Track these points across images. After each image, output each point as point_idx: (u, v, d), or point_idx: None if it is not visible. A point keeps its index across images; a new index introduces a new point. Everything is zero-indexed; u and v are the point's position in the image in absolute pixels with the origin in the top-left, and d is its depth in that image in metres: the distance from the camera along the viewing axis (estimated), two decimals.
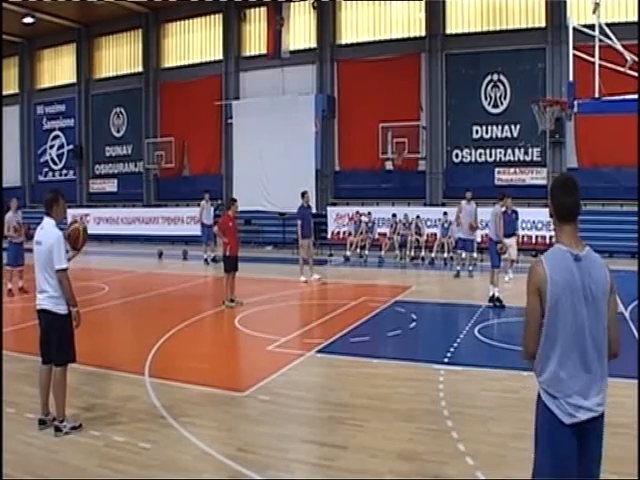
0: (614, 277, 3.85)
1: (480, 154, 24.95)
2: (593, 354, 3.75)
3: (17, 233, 15.64)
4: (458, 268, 18.42)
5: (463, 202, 18.26)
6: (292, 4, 27.44)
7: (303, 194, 18.10)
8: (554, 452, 3.73)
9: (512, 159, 24.25)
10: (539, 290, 3.72)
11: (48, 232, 6.68)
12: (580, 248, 3.80)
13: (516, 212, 17.07)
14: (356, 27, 27.47)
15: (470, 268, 18.32)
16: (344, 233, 25.52)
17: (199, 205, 23.77)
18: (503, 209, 14.62)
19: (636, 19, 19.93)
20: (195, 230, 26.81)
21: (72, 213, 33.21)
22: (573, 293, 3.68)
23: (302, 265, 17.87)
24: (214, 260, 22.51)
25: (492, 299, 13.51)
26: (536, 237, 22.53)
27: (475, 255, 19.21)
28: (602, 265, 3.81)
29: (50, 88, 35.61)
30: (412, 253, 22.51)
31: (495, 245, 13.98)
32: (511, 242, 16.10)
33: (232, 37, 29.58)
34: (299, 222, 17.82)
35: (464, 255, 18.55)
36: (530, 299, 3.76)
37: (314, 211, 26.48)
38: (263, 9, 28.12)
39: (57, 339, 6.64)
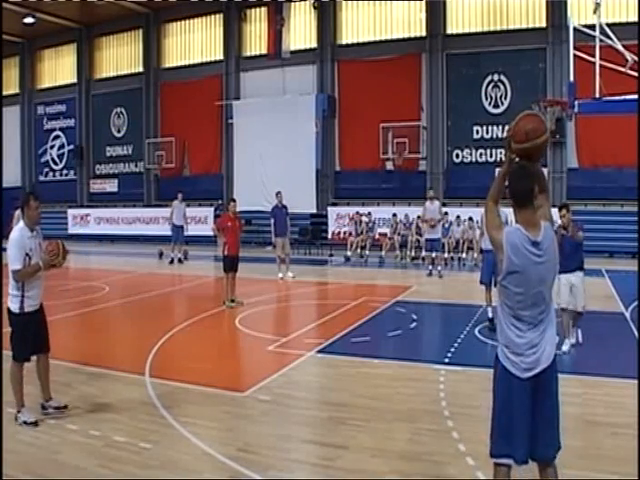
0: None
1: (481, 154, 24.95)
2: (543, 317, 4.24)
3: None
4: (430, 267, 18.61)
5: (427, 202, 18.68)
6: (292, 4, 27.45)
7: (277, 194, 18.51)
8: (510, 407, 4.20)
9: None
10: (502, 241, 4.20)
11: (12, 233, 6.88)
12: (537, 232, 4.21)
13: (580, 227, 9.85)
14: (356, 27, 27.48)
15: (439, 268, 18.52)
16: (345, 233, 25.52)
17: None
18: (558, 224, 9.23)
19: (636, 19, 19.93)
20: (195, 230, 26.82)
21: (72, 213, 33.40)
22: (527, 272, 4.15)
23: (279, 263, 18.27)
24: (180, 261, 22.54)
25: (491, 320, 11.00)
26: None
27: (446, 255, 20.25)
28: (554, 240, 4.31)
29: (51, 88, 35.64)
30: (413, 253, 22.48)
31: (488, 256, 10.87)
32: (573, 281, 9.63)
33: (232, 37, 29.60)
34: (272, 221, 18.28)
35: (434, 255, 18.70)
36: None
37: (314, 211, 26.70)
38: (263, 9, 28.15)
39: (12, 335, 6.94)
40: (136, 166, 32.58)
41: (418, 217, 22.83)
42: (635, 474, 5.05)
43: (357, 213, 24.62)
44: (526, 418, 4.17)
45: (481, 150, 24.93)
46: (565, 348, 9.33)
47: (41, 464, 5.79)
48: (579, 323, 9.98)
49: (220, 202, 28.37)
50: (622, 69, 13.02)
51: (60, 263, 6.94)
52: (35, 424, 6.69)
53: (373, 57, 26.46)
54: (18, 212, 15.58)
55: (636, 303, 12.79)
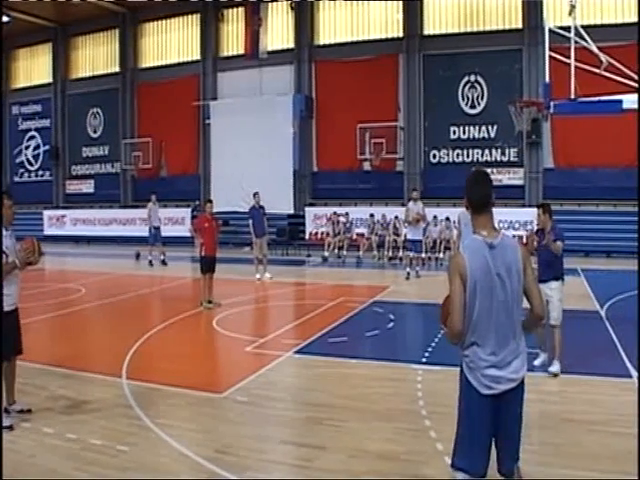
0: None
1: (457, 154, 25.09)
2: (508, 331, 4.10)
3: None
4: (408, 269, 18.26)
5: (410, 203, 18.51)
6: (270, 4, 27.42)
7: (254, 195, 18.42)
8: (471, 419, 4.16)
9: (489, 159, 24.39)
10: (461, 275, 4.09)
11: None
12: (494, 236, 4.16)
13: (559, 236, 8.58)
14: (334, 28, 27.52)
15: (417, 268, 18.52)
16: (322, 234, 25.53)
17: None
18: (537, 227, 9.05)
19: (611, 21, 20.20)
20: (173, 231, 26.70)
21: (48, 214, 33.09)
22: (488, 278, 4.05)
23: (256, 264, 18.27)
24: (164, 262, 22.37)
25: None
26: (513, 237, 22.63)
27: (423, 255, 19.99)
28: (515, 249, 4.20)
29: (26, 88, 35.29)
30: (390, 253, 22.55)
31: None
32: (547, 292, 8.26)
33: (210, 37, 29.52)
34: (250, 222, 18.21)
35: (412, 255, 18.59)
36: (455, 283, 4.13)
37: (291, 212, 26.69)
38: (241, 9, 28.12)
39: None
40: (112, 167, 32.34)
41: (396, 217, 22.92)
42: (614, 470, 5.12)
43: (334, 213, 24.64)
44: (486, 432, 4.11)
45: (458, 150, 25.06)
46: (537, 362, 8.56)
47: (17, 468, 5.70)
48: (560, 356, 8.43)
49: (197, 203, 28.26)
50: (597, 70, 13.13)
51: (36, 260, 6.92)
52: (10, 428, 6.61)
53: (350, 57, 26.50)
54: None
55: (612, 301, 12.92)
